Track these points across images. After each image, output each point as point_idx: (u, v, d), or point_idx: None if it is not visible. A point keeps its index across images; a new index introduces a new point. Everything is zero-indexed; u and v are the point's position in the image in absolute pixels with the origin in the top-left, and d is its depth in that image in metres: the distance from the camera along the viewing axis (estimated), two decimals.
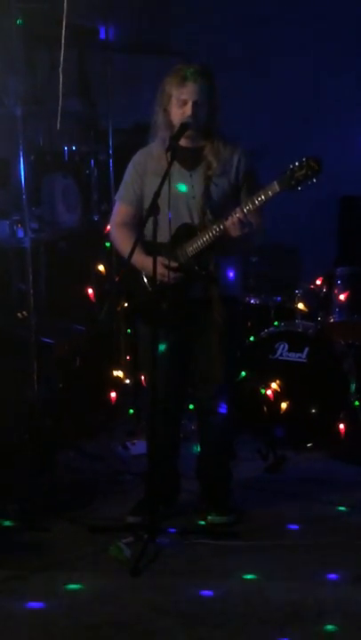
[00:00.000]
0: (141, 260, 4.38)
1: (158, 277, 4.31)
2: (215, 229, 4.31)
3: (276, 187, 4.17)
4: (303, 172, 4.12)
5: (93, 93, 6.83)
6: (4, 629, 3.81)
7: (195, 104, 4.31)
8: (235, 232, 4.25)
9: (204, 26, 7.09)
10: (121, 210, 4.62)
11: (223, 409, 4.61)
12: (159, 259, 4.30)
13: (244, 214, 4.22)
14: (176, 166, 4.38)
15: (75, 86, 6.65)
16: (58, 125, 5.14)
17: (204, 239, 4.35)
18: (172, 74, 4.37)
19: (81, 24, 5.94)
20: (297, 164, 4.13)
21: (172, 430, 4.72)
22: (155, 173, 4.39)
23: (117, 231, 4.61)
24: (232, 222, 4.23)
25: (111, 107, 6.43)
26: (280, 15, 7.04)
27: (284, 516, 4.77)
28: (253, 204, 4.24)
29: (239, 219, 4.21)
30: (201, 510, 4.74)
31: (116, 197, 4.67)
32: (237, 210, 4.24)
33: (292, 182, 4.14)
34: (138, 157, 4.56)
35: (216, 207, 4.38)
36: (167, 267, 4.34)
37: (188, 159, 4.43)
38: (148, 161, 4.50)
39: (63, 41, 4.87)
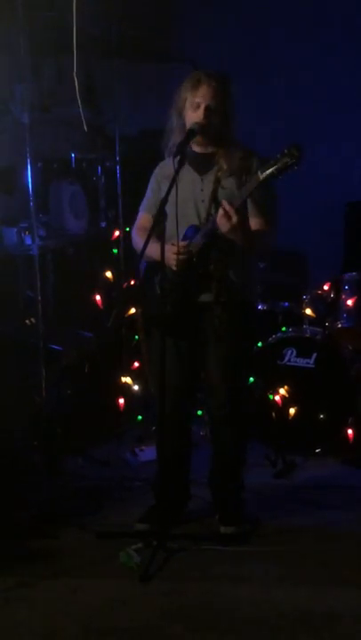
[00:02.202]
0: (154, 248, 4.35)
1: (170, 262, 4.33)
2: (209, 225, 4.34)
3: (258, 176, 4.17)
4: (285, 159, 4.10)
5: (99, 100, 6.84)
6: (14, 636, 3.81)
7: (207, 108, 4.33)
8: (223, 225, 4.23)
9: (211, 33, 7.09)
10: (143, 217, 4.68)
11: (235, 415, 4.61)
12: (167, 245, 4.33)
13: (230, 207, 4.20)
14: (189, 170, 4.41)
15: (82, 93, 6.65)
16: (85, 128, 5.16)
17: (201, 236, 4.38)
18: (188, 79, 4.40)
19: (87, 31, 5.95)
20: (278, 153, 4.13)
21: (181, 437, 4.72)
22: (167, 179, 4.40)
23: (136, 233, 4.65)
24: (218, 215, 4.23)
25: (117, 114, 6.44)
26: (285, 17, 7.04)
27: (294, 522, 4.77)
28: (240, 196, 4.26)
29: (225, 210, 4.20)
30: (212, 517, 4.72)
31: (140, 208, 4.72)
32: (223, 202, 4.24)
33: (274, 171, 4.13)
34: (158, 169, 4.63)
35: None
36: (177, 253, 4.35)
37: (201, 164, 4.45)
38: (163, 170, 4.55)
39: (75, 50, 4.88)
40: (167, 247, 4.34)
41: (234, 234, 4.26)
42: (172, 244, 4.36)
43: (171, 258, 4.36)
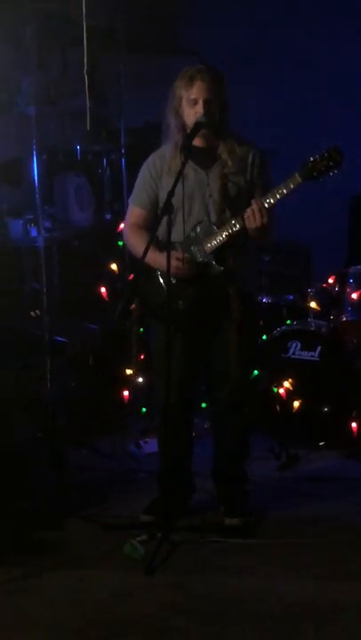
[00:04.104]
0: (154, 257, 4.36)
1: (172, 272, 4.30)
2: (234, 224, 4.32)
3: (297, 178, 4.17)
4: (325, 162, 4.13)
5: (105, 93, 6.84)
6: (18, 627, 3.82)
7: (205, 102, 4.32)
8: (254, 224, 4.23)
9: (216, 25, 7.09)
10: (134, 212, 4.62)
11: (239, 408, 4.62)
12: (172, 253, 4.30)
13: (263, 205, 4.22)
14: (192, 166, 4.40)
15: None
16: (87, 126, 5.16)
17: (223, 235, 4.35)
18: (180, 76, 4.38)
19: (92, 23, 5.95)
20: (318, 155, 4.14)
21: (184, 430, 4.72)
22: (169, 174, 4.40)
23: (130, 233, 4.61)
24: (252, 213, 4.22)
25: (123, 106, 6.44)
26: (287, 14, 7.04)
27: (297, 515, 4.78)
28: (275, 196, 4.24)
29: (260, 209, 4.21)
30: (216, 509, 4.73)
31: (130, 200, 4.68)
32: (258, 200, 4.23)
33: (314, 173, 4.15)
34: (151, 160, 4.55)
35: (234, 204, 4.38)
36: (181, 259, 4.33)
37: (204, 158, 4.43)
38: (162, 163, 4.50)
39: (85, 41, 4.88)
40: (164, 257, 4.27)
41: (259, 231, 4.27)
42: (177, 258, 4.33)
43: (177, 266, 4.33)
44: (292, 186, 4.19)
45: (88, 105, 5.06)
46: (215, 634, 3.76)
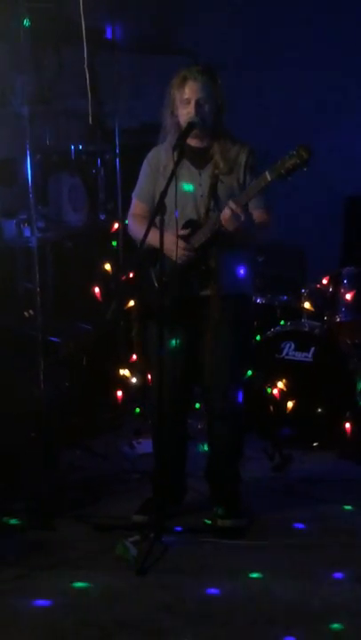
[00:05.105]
0: (155, 235, 4.32)
1: (168, 253, 4.33)
2: (214, 223, 4.34)
3: (267, 176, 4.21)
4: (293, 160, 4.15)
5: (100, 93, 6.82)
6: (11, 628, 3.81)
7: (197, 102, 4.34)
8: (231, 225, 4.26)
9: (212, 25, 7.08)
10: (137, 205, 4.67)
11: (233, 409, 4.61)
12: (168, 235, 4.32)
13: (238, 206, 4.23)
14: (186, 165, 4.42)
15: (82, 85, 6.64)
16: (90, 120, 5.15)
17: (205, 233, 4.38)
18: (174, 77, 4.41)
19: (88, 23, 5.94)
20: (287, 154, 4.17)
21: (178, 430, 4.72)
22: (163, 175, 4.42)
23: (133, 221, 4.65)
24: (225, 215, 4.25)
25: (118, 106, 6.43)
26: (287, 14, 7.04)
27: (290, 516, 4.77)
28: (247, 196, 4.28)
29: (233, 211, 4.23)
30: (209, 510, 4.72)
31: (133, 194, 4.71)
32: (230, 202, 4.26)
33: (282, 171, 4.18)
34: (152, 154, 4.60)
35: (222, 205, 4.39)
36: (182, 248, 4.36)
37: (197, 158, 4.46)
38: (159, 161, 4.54)
39: (85, 41, 4.88)
40: (168, 237, 4.33)
41: (240, 231, 4.29)
42: (175, 235, 4.35)
43: (172, 249, 4.35)
44: (262, 184, 4.24)
45: (90, 98, 5.04)
46: (208, 635, 3.76)
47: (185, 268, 4.43)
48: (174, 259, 4.36)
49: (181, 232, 4.38)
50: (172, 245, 4.33)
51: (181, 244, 4.36)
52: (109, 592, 4.06)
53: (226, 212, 4.25)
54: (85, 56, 4.93)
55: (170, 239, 4.33)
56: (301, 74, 7.02)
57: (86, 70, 4.99)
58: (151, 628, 3.81)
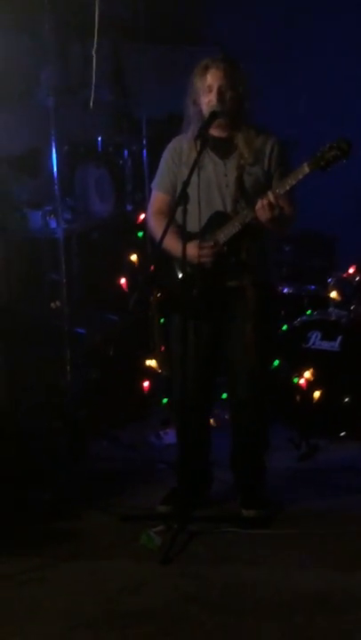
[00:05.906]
0: (175, 244, 4.35)
1: (192, 260, 4.31)
2: (246, 215, 4.32)
3: (305, 168, 4.20)
4: (333, 152, 4.14)
5: (127, 83, 6.83)
6: (35, 617, 3.84)
7: (219, 89, 4.32)
8: (265, 216, 4.24)
9: (240, 15, 7.05)
10: (158, 198, 4.63)
11: (257, 398, 4.60)
12: (193, 242, 4.31)
13: (275, 197, 4.22)
14: (210, 155, 4.41)
15: (108, 76, 6.65)
16: (91, 104, 5.18)
17: (235, 225, 4.36)
18: (197, 66, 4.40)
19: (115, 13, 5.94)
20: (327, 145, 4.15)
21: (202, 420, 4.72)
22: (186, 164, 4.40)
23: (154, 219, 4.62)
24: (262, 205, 4.23)
25: (145, 97, 6.43)
26: (315, 4, 7.00)
27: (315, 505, 4.77)
28: (284, 187, 4.26)
29: (269, 202, 4.22)
30: (234, 500, 4.72)
31: (153, 185, 4.68)
32: (268, 193, 4.24)
33: (322, 163, 4.16)
34: (173, 145, 4.57)
35: (249, 195, 4.38)
36: (204, 248, 4.34)
37: (221, 148, 4.44)
38: (182, 150, 4.51)
39: (96, 30, 4.89)
40: (191, 248, 4.30)
41: (272, 222, 4.27)
42: (198, 246, 4.34)
43: (194, 257, 4.34)
44: (300, 176, 4.22)
45: (94, 81, 5.05)
46: (230, 624, 3.76)
47: (216, 259, 4.41)
48: (202, 261, 4.35)
49: (206, 244, 4.35)
50: (192, 253, 4.32)
51: (206, 251, 4.34)
52: (133, 581, 4.07)
53: (263, 203, 4.23)
54: (95, 43, 4.93)
55: (192, 252, 4.31)
56: (331, 59, 6.95)
57: (94, 56, 4.98)
58: (174, 616, 3.82)
